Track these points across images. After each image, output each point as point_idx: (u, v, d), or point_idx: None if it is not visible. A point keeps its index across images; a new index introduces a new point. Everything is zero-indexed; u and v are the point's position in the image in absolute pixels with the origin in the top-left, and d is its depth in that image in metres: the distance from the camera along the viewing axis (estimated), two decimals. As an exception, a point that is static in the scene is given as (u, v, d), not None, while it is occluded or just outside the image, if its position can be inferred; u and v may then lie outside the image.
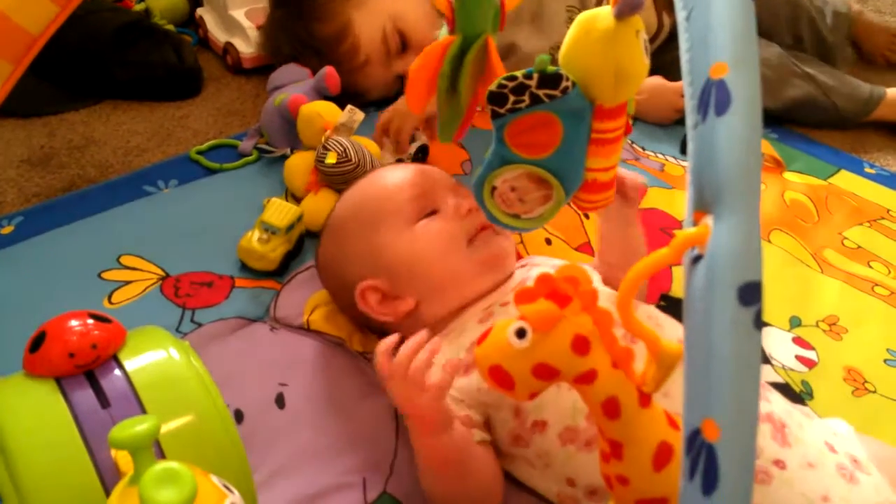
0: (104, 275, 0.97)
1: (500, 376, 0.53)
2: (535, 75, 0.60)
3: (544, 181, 0.66)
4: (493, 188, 0.66)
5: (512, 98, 0.61)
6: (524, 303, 0.52)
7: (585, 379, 0.53)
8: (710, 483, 0.37)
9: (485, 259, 0.81)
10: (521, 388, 0.53)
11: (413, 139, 1.16)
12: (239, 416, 0.79)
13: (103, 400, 0.55)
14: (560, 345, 0.52)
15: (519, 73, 0.61)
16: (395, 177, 0.86)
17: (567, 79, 0.61)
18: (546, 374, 0.52)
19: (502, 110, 0.62)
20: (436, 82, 0.69)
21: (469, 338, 0.75)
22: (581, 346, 0.52)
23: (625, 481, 0.55)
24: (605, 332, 0.53)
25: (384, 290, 0.81)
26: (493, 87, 0.61)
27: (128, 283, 0.96)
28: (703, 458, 0.37)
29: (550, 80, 0.61)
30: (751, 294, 0.38)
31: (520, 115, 0.62)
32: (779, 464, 0.64)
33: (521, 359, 0.52)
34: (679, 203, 1.12)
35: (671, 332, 0.73)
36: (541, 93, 0.61)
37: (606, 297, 0.79)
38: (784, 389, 0.87)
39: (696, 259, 0.41)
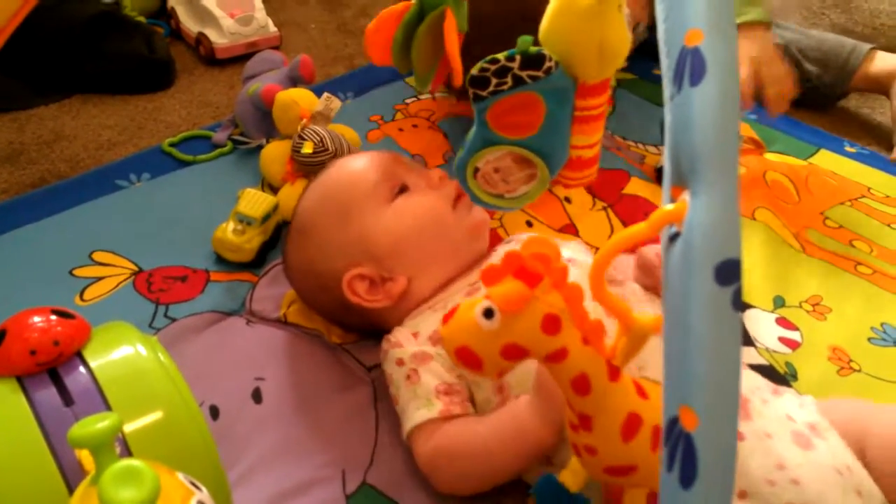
0: (76, 271, 0.94)
1: (467, 356, 0.51)
2: (518, 57, 0.59)
3: (528, 161, 0.65)
4: (476, 170, 0.65)
5: (494, 81, 0.59)
6: (491, 282, 0.51)
7: (556, 357, 0.52)
8: (688, 475, 0.35)
9: (473, 224, 0.81)
10: (490, 368, 0.52)
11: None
12: (215, 412, 0.77)
13: (67, 398, 0.53)
14: (530, 325, 0.50)
15: (501, 56, 0.59)
16: (355, 165, 0.85)
17: (550, 59, 0.59)
18: (515, 353, 0.51)
19: (484, 93, 0.60)
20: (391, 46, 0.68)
21: None
22: (552, 325, 0.51)
23: (593, 451, 0.55)
24: (575, 308, 0.51)
25: (371, 276, 0.79)
26: (474, 70, 0.60)
27: (100, 279, 0.94)
28: (681, 448, 0.36)
29: (533, 60, 0.59)
30: (729, 272, 0.36)
31: (502, 96, 0.60)
32: (738, 436, 0.64)
33: (490, 340, 0.50)
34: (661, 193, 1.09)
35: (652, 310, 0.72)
36: (524, 74, 0.59)
37: (585, 269, 0.78)
38: (768, 371, 0.86)
39: (674, 237, 0.39)
